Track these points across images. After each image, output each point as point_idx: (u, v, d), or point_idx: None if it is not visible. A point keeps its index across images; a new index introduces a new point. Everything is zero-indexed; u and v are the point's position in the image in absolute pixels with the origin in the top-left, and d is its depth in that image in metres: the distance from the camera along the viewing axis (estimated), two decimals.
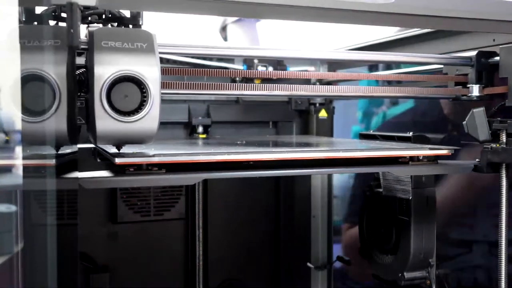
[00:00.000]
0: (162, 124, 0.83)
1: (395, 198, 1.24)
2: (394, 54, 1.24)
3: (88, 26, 0.80)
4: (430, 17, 0.91)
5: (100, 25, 0.79)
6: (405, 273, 1.20)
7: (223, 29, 2.28)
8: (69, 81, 0.71)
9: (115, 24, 0.79)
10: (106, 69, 0.73)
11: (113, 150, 0.90)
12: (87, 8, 0.75)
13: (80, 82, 0.77)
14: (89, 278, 1.43)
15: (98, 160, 1.12)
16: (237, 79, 1.52)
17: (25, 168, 0.71)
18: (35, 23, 0.77)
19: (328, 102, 1.69)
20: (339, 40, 1.70)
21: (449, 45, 1.23)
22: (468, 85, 1.09)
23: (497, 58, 1.08)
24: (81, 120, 0.79)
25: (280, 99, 1.66)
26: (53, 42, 0.71)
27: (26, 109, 0.71)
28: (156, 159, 0.86)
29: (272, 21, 2.14)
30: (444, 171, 1.21)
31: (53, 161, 0.82)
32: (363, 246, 1.38)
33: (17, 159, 0.70)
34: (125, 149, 0.89)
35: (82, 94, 0.80)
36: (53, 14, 0.77)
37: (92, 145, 1.17)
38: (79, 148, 1.06)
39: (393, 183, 1.24)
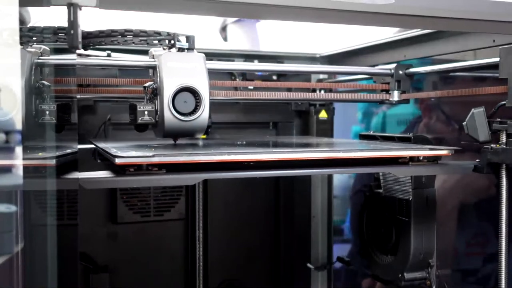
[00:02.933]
0: None
1: (395, 198, 1.24)
2: (334, 66, 1.58)
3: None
4: (429, 17, 0.91)
5: (161, 49, 1.03)
6: (405, 274, 1.20)
7: (223, 29, 2.28)
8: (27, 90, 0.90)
9: (175, 49, 1.02)
10: (172, 83, 0.97)
11: (113, 150, 0.90)
12: (158, 33, 1.00)
13: (153, 91, 1.01)
14: (89, 278, 1.43)
15: (98, 161, 1.12)
16: (237, 79, 1.52)
17: (25, 168, 0.71)
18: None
19: (328, 103, 1.69)
20: (340, 38, 1.70)
21: (449, 46, 1.23)
22: (390, 92, 1.32)
23: (412, 69, 1.30)
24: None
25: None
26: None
27: None
28: (156, 159, 0.87)
29: (272, 21, 2.14)
30: (444, 172, 1.21)
31: (53, 162, 0.82)
32: (363, 246, 1.38)
33: (17, 159, 0.70)
34: (125, 152, 0.89)
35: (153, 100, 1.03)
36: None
37: (92, 146, 1.18)
38: (79, 149, 1.07)
39: (393, 183, 1.24)
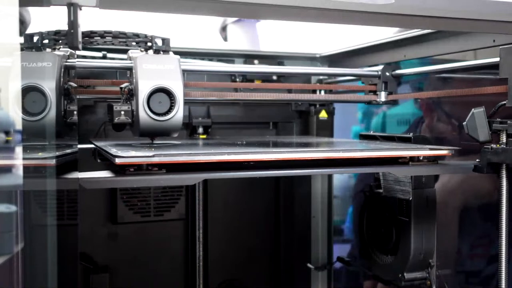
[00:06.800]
0: None
1: (395, 198, 1.24)
2: (327, 68, 1.66)
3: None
4: (430, 17, 0.91)
5: (138, 50, 1.07)
6: (405, 274, 1.20)
7: (223, 29, 2.28)
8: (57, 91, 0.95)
9: (151, 51, 1.06)
10: (147, 84, 1.01)
11: (113, 150, 0.90)
12: (136, 35, 1.04)
13: (129, 91, 1.05)
14: (89, 278, 1.43)
15: (98, 161, 1.12)
16: (237, 80, 1.52)
17: (25, 168, 0.71)
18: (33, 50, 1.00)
19: (328, 103, 1.69)
20: (340, 38, 1.70)
21: (449, 46, 1.23)
22: (377, 92, 1.37)
23: (399, 71, 1.36)
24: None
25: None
26: (46, 64, 0.97)
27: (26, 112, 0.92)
28: (156, 159, 0.87)
29: (272, 21, 2.14)
30: (444, 172, 1.21)
31: (53, 161, 0.82)
32: (363, 246, 1.38)
33: (17, 159, 0.70)
34: (125, 152, 0.89)
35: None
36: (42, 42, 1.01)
37: (92, 146, 1.18)
38: (79, 148, 1.07)
39: (393, 183, 1.24)
